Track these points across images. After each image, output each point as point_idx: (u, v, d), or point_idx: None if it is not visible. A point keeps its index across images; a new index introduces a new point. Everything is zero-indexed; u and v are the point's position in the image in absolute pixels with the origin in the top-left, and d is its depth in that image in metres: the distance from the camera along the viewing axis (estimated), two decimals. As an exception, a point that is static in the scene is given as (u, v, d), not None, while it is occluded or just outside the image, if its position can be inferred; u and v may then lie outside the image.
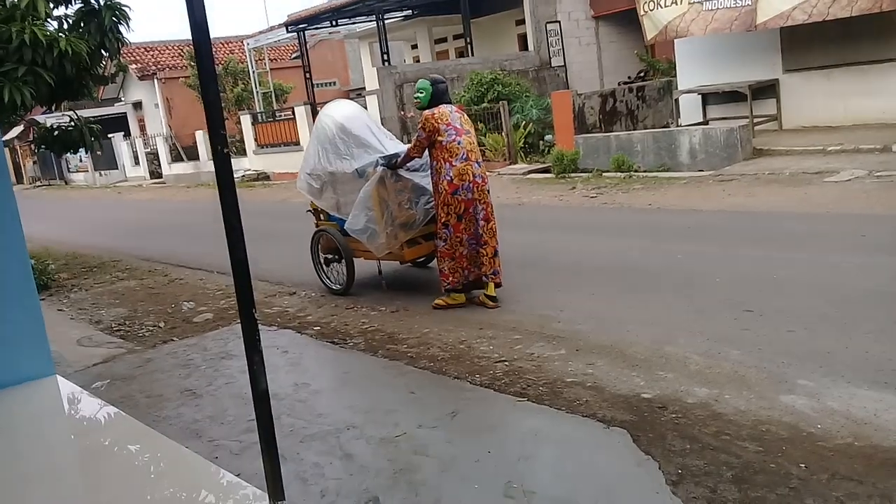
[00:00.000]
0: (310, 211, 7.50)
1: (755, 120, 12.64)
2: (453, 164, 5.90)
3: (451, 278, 6.08)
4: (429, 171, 6.20)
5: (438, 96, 6.14)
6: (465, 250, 6.03)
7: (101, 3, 8.46)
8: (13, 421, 3.85)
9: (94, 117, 34.68)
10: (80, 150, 9.69)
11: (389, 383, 4.79)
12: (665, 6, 13.27)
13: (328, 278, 7.28)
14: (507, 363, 4.79)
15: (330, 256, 7.26)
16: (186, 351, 5.87)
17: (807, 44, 12.62)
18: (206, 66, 2.80)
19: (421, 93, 6.18)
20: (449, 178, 5.91)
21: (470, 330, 5.53)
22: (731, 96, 13.31)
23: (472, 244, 6.04)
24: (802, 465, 3.23)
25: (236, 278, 3.06)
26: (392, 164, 6.34)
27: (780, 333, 4.70)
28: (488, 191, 6.10)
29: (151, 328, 6.75)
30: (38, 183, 38.04)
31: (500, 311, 5.91)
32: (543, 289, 6.40)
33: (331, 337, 5.80)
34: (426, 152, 6.12)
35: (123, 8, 8.55)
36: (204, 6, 2.70)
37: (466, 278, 6.12)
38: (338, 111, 6.98)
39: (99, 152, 16.94)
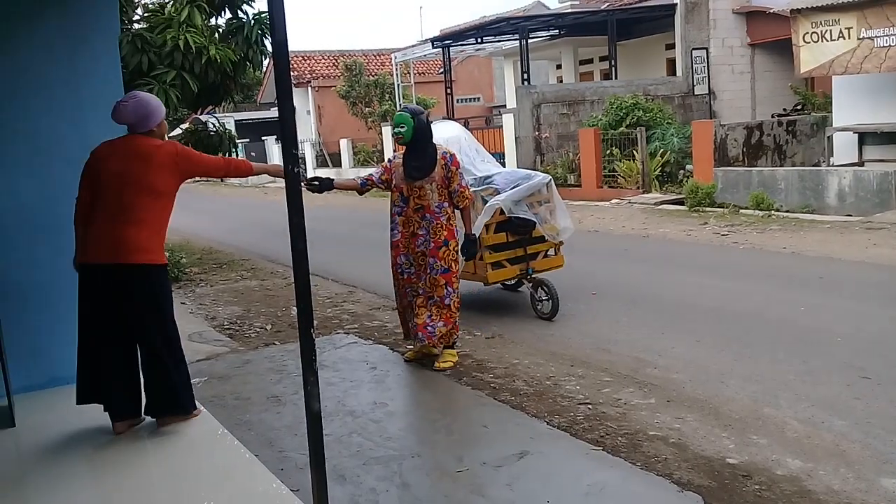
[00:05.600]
0: None
1: (917, 164, 11.60)
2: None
3: (456, 331, 5.56)
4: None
5: (423, 130, 5.30)
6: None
7: (250, 16, 8.94)
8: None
9: (251, 120, 36.41)
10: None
11: (465, 413, 4.70)
12: (831, 39, 12.45)
13: None
14: (590, 406, 4.58)
15: None
16: (283, 356, 6.02)
17: (984, 84, 11.48)
18: (284, 84, 2.86)
19: (402, 127, 5.27)
20: (456, 229, 5.48)
21: (560, 365, 5.35)
22: (891, 137, 12.28)
23: None
24: (893, 566, 2.87)
25: (298, 298, 3.09)
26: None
27: (895, 407, 4.23)
28: None
29: (258, 329, 6.99)
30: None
31: (595, 349, 5.68)
32: (646, 329, 6.11)
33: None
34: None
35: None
36: (285, 26, 2.78)
37: None
38: (438, 132, 7.02)
39: (235, 155, 17.80)
